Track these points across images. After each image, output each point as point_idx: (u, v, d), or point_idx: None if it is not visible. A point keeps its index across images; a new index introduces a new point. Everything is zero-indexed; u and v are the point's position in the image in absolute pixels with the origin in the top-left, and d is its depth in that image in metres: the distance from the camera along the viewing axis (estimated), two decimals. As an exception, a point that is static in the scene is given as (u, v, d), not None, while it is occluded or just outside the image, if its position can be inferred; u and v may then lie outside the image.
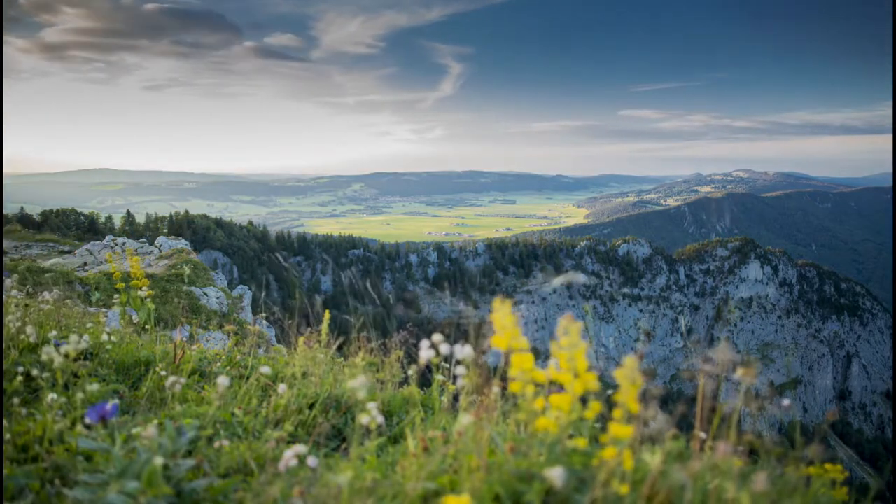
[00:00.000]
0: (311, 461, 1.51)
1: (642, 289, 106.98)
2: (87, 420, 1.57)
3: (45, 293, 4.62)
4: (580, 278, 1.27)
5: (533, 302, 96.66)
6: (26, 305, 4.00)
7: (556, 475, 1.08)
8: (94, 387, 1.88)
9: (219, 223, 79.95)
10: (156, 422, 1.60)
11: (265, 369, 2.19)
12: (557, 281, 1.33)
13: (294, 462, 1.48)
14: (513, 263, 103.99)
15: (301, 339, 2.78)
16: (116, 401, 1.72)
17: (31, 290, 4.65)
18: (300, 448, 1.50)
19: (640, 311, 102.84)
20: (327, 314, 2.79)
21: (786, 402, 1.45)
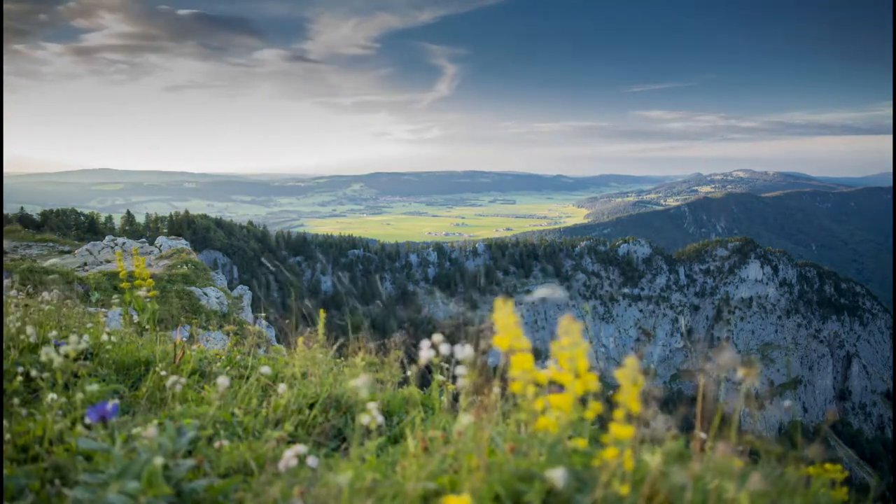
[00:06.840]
0: (311, 461, 1.51)
1: (642, 289, 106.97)
2: (87, 420, 1.57)
3: (45, 293, 4.62)
4: (558, 293, 1.27)
5: (533, 302, 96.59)
6: (26, 305, 4.00)
7: (557, 476, 1.07)
8: (93, 387, 1.88)
9: (219, 223, 79.91)
10: (156, 422, 1.60)
11: (265, 369, 2.19)
12: (538, 293, 1.33)
13: (294, 462, 1.48)
14: (513, 263, 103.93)
15: (300, 339, 2.78)
16: (116, 401, 1.72)
17: (31, 290, 4.66)
18: (300, 448, 1.50)
19: (640, 311, 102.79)
20: (322, 313, 2.79)
21: (787, 402, 1.45)
